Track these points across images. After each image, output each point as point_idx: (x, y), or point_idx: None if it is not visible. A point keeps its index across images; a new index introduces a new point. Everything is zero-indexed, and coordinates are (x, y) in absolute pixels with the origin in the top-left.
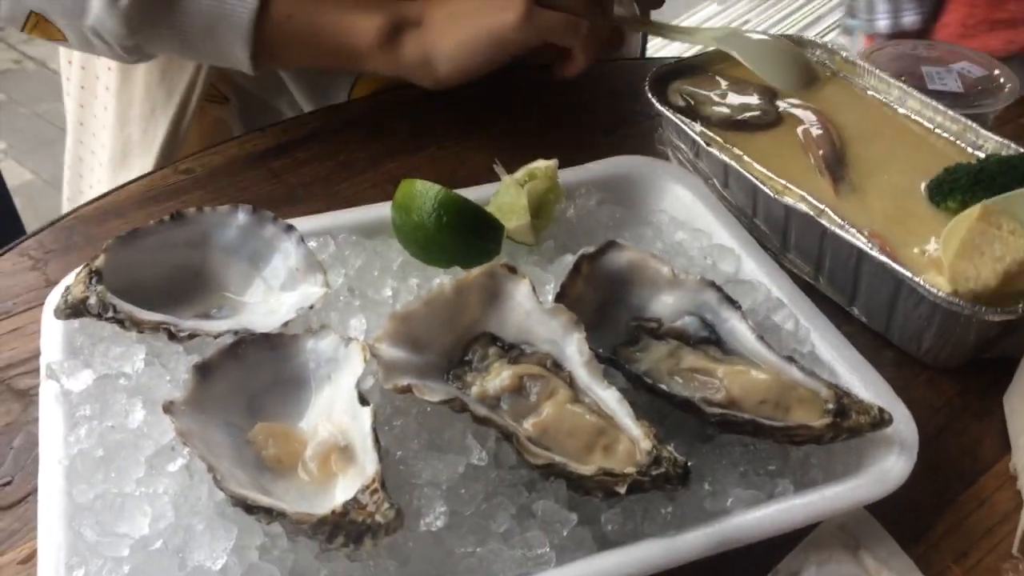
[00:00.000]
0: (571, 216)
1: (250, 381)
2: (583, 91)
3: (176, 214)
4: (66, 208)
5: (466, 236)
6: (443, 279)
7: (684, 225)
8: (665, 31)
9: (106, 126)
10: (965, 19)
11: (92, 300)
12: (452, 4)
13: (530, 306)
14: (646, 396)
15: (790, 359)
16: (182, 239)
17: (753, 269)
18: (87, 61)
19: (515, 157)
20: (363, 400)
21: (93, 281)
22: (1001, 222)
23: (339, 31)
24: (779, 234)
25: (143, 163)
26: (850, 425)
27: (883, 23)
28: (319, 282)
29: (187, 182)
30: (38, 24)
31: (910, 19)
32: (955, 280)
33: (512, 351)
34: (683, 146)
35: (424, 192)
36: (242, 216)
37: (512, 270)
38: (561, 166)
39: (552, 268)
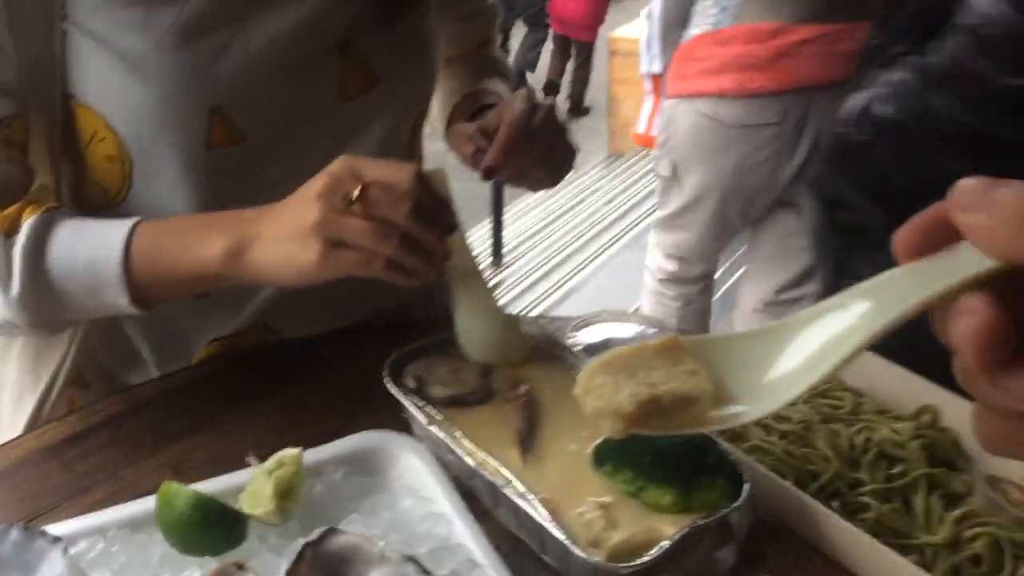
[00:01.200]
0: (319, 491)
1: None
2: (345, 363)
3: None
4: None
5: (215, 530)
6: (191, 573)
7: (413, 492)
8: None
9: None
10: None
11: None
12: (271, 229)
13: None
14: None
15: None
16: None
17: (461, 532)
18: None
19: (287, 429)
20: None
21: None
22: (685, 358)
23: (192, 263)
24: (489, 495)
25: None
26: None
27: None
28: None
29: None
30: None
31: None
32: (586, 391)
33: None
34: (418, 420)
35: (178, 493)
36: (15, 534)
37: (240, 567)
38: (320, 437)
39: (289, 550)
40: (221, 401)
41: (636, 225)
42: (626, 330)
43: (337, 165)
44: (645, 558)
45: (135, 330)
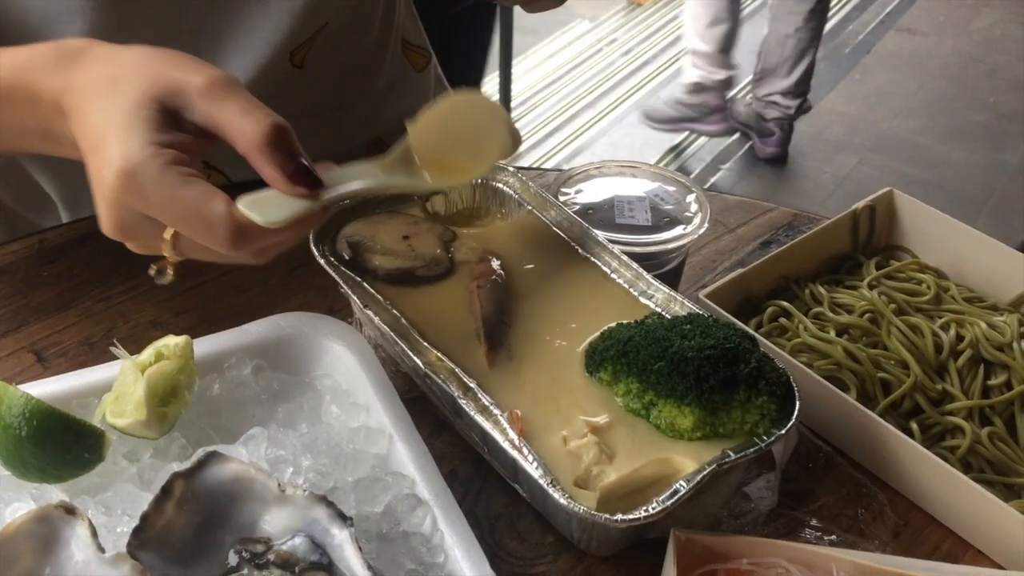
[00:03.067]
0: (217, 392)
1: None
2: None
3: None
4: None
5: (56, 450)
6: (20, 507)
7: (344, 396)
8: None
9: None
10: None
11: None
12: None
13: (88, 555)
14: None
15: None
16: None
17: (401, 454)
18: None
19: (189, 304)
20: None
21: None
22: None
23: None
24: (448, 402)
25: None
26: None
27: None
28: None
29: None
30: None
31: None
32: None
33: None
34: (353, 300)
35: (8, 398)
36: None
37: (70, 511)
38: (242, 313)
39: (160, 476)
40: (108, 266)
41: (654, 78)
42: (629, 185)
43: (119, 199)
44: (653, 508)
45: (36, 167)
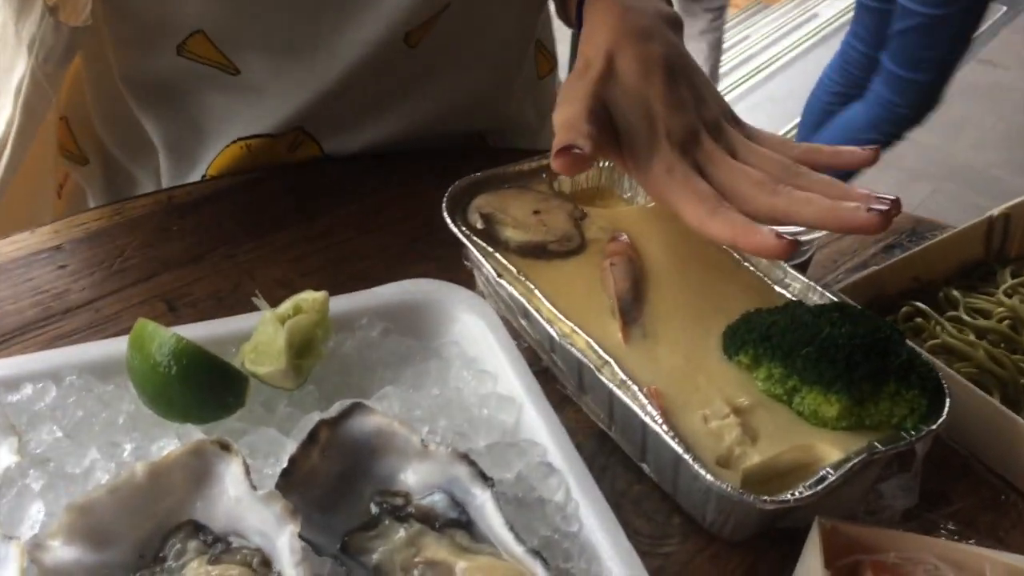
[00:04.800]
0: (348, 350)
1: None
2: (402, 192)
3: None
4: None
5: (200, 391)
6: (166, 444)
7: (472, 364)
8: None
9: None
10: None
11: None
12: None
13: (241, 491)
14: None
15: (537, 554)
16: None
17: (533, 423)
18: None
19: (314, 266)
20: None
21: None
22: None
23: None
24: (574, 377)
25: None
26: None
27: None
28: (11, 448)
29: None
30: None
31: None
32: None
33: (218, 544)
34: (483, 271)
35: (156, 337)
36: None
37: (225, 447)
38: (357, 281)
39: (301, 426)
40: (235, 226)
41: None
42: None
43: None
44: (801, 493)
45: (145, 114)
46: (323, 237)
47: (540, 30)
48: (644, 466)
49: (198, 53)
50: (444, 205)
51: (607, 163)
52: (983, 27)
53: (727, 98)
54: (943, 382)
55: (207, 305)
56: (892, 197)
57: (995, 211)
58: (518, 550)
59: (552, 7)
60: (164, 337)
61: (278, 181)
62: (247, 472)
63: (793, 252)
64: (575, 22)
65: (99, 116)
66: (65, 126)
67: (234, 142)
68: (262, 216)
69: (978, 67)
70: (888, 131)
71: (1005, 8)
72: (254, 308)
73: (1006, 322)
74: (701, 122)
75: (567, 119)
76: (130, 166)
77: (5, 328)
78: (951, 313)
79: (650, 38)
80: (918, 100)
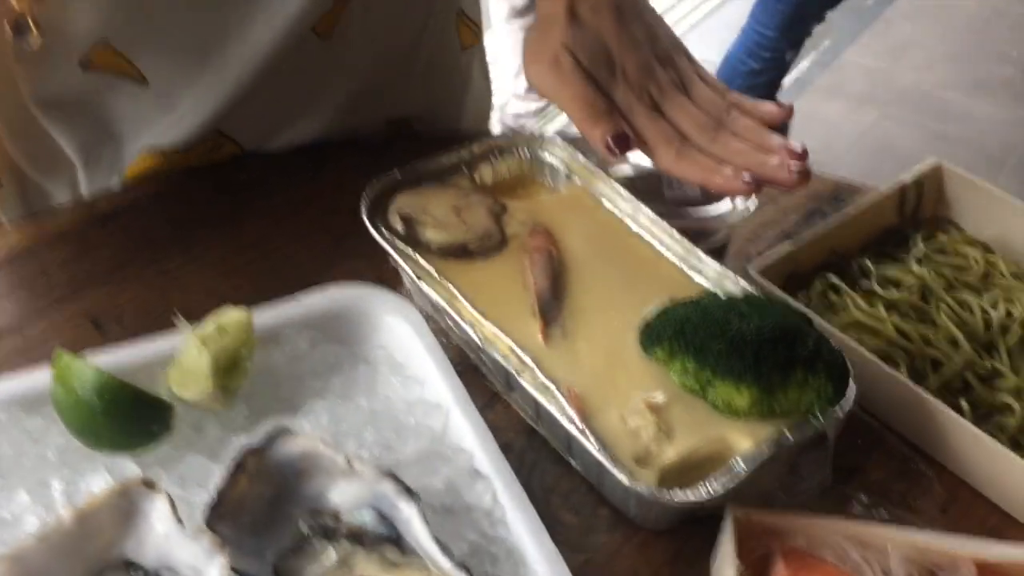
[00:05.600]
0: (276, 362)
1: None
2: (329, 184)
3: None
4: None
5: (126, 422)
6: (92, 479)
7: (399, 369)
8: None
9: None
10: None
11: None
12: None
13: (168, 528)
14: None
15: (463, 567)
16: None
17: (460, 427)
18: None
19: (245, 276)
20: None
21: None
22: None
23: None
24: (501, 376)
25: None
26: None
27: None
28: None
29: None
30: None
31: None
32: None
33: None
34: (406, 274)
35: (80, 373)
36: None
37: (150, 486)
38: (295, 283)
39: (231, 448)
40: (158, 235)
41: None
42: None
43: None
44: (713, 489)
45: (57, 128)
46: (250, 238)
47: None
48: (571, 460)
49: (103, 64)
50: (363, 208)
51: (527, 152)
52: None
53: (682, 25)
54: (849, 367)
55: (134, 321)
56: (801, 150)
57: (907, 178)
58: (445, 564)
59: None
60: (86, 374)
61: (201, 182)
62: (174, 508)
63: (753, 193)
64: None
65: (8, 135)
66: None
67: (149, 151)
68: (187, 221)
69: None
70: (761, 55)
71: None
72: (196, 313)
73: (915, 292)
74: (655, 57)
75: (580, 98)
76: (43, 181)
77: None
78: (864, 284)
79: None
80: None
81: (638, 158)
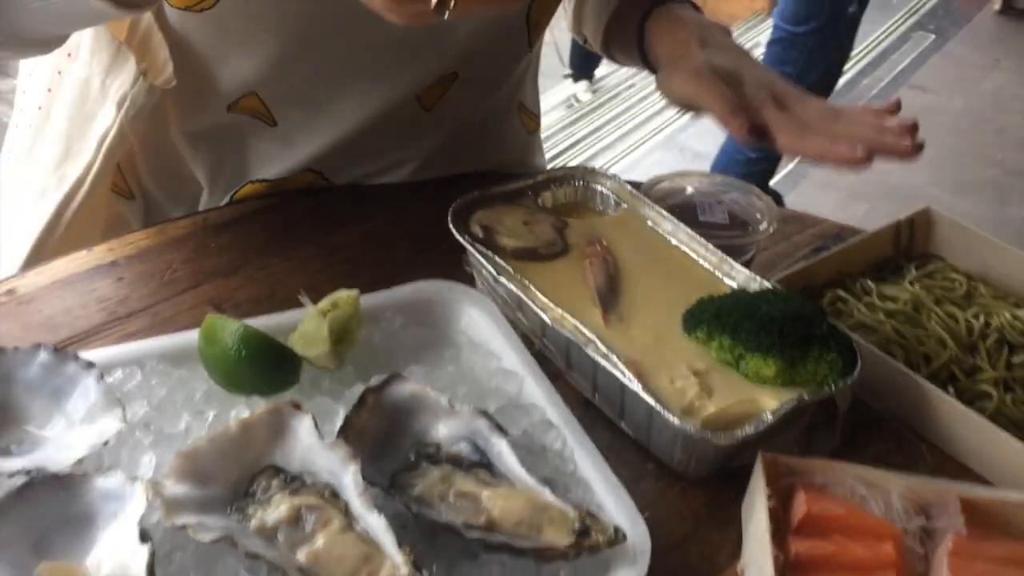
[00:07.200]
0: (376, 339)
1: (38, 521)
2: (403, 215)
3: None
4: None
5: (264, 368)
6: (239, 411)
7: (479, 347)
8: None
9: (6, 189)
10: None
11: None
12: None
13: (312, 440)
14: (422, 518)
15: (546, 482)
16: None
17: (533, 391)
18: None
19: (335, 275)
20: (143, 536)
21: None
22: None
23: None
24: (562, 356)
25: (27, 236)
26: (590, 544)
27: None
28: (117, 417)
29: (11, 307)
30: None
31: None
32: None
33: (295, 482)
34: (484, 272)
35: (225, 327)
36: (44, 355)
37: (297, 407)
38: (373, 285)
39: (346, 397)
40: (264, 242)
41: None
42: (706, 190)
43: None
44: (748, 431)
45: (192, 151)
46: (339, 251)
47: (521, 95)
48: (622, 424)
49: (246, 108)
50: (450, 218)
51: (582, 181)
52: (913, 54)
53: (677, 124)
54: (856, 347)
55: (248, 308)
56: (912, 122)
57: (902, 217)
58: (530, 481)
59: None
60: (232, 327)
61: (296, 205)
62: (316, 425)
63: (867, 164)
64: (635, 35)
65: (145, 166)
66: (117, 168)
67: (257, 180)
68: (284, 232)
69: (909, 92)
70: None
71: (934, 36)
72: (288, 309)
73: (910, 305)
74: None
75: (722, 97)
76: (167, 204)
77: (78, 329)
78: (866, 299)
79: (712, 29)
80: None
81: (674, 192)
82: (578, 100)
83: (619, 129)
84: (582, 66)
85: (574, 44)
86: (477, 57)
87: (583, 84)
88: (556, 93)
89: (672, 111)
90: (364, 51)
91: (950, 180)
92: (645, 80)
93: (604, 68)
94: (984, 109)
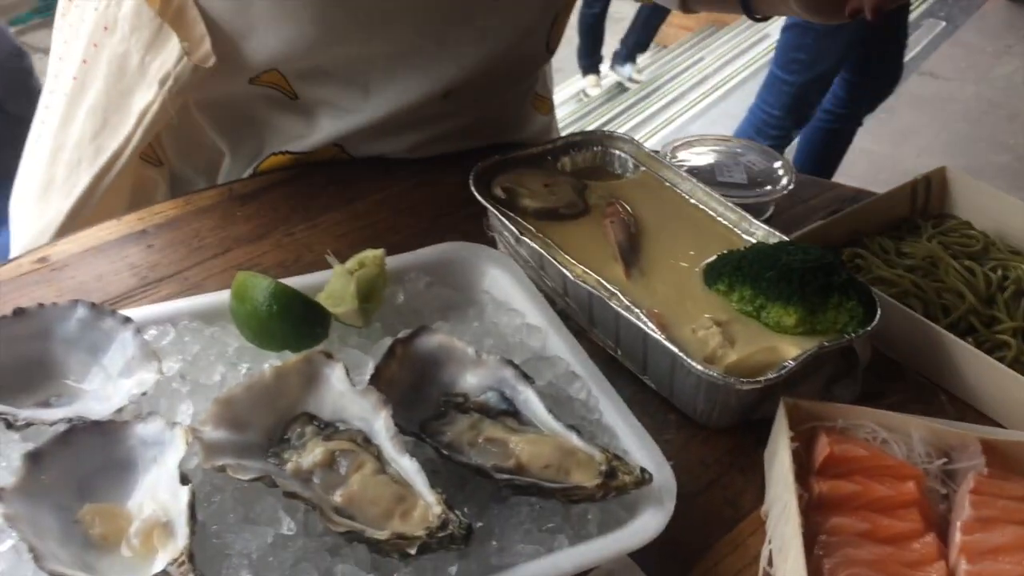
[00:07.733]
0: (401, 298)
1: (81, 466)
2: (423, 182)
3: (17, 310)
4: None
5: (295, 323)
6: (273, 362)
7: (502, 305)
8: None
9: (40, 158)
10: None
11: None
12: None
13: (344, 388)
14: (451, 464)
15: (573, 428)
16: (24, 332)
17: (557, 345)
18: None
19: (358, 240)
20: (183, 479)
21: None
22: None
23: None
24: (585, 312)
25: (60, 205)
26: (617, 485)
27: None
28: (154, 369)
29: (44, 273)
30: None
31: None
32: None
33: (328, 428)
34: (505, 233)
35: (256, 284)
36: (81, 310)
37: (329, 356)
38: (398, 249)
39: (374, 350)
40: (289, 210)
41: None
42: (725, 152)
43: None
44: (769, 376)
45: (211, 120)
46: (362, 217)
47: (535, 84)
48: (645, 378)
49: (267, 81)
50: (471, 181)
51: (600, 146)
52: (924, 41)
53: (687, 115)
54: (875, 295)
55: (275, 272)
56: None
57: (918, 176)
58: (557, 427)
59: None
60: (263, 284)
61: (319, 175)
62: (348, 374)
63: None
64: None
65: (168, 138)
66: None
67: (280, 152)
68: (308, 200)
69: (920, 79)
70: (768, 133)
71: (944, 23)
72: (321, 266)
73: (927, 259)
74: None
75: None
76: (190, 174)
77: (112, 293)
78: (884, 256)
79: None
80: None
81: (693, 154)
82: (587, 95)
83: (626, 124)
84: (589, 62)
85: (582, 39)
86: (500, 58)
87: (591, 78)
88: (565, 88)
89: (674, 107)
90: (389, 46)
91: (963, 166)
92: (651, 74)
93: (606, 66)
94: (996, 95)
